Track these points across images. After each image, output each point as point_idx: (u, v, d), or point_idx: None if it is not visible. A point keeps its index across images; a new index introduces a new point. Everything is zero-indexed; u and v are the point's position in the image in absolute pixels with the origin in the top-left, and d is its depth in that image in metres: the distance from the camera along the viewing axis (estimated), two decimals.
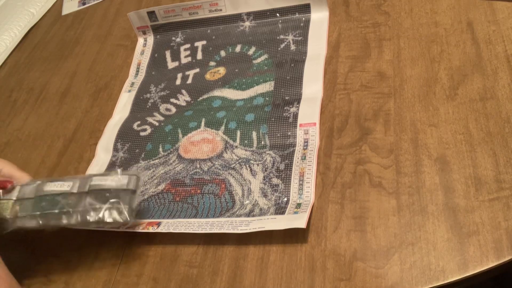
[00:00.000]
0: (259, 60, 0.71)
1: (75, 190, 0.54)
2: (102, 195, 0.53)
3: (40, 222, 0.54)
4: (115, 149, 0.68)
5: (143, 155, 0.66)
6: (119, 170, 0.56)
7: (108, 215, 0.53)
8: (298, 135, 0.60)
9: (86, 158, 0.69)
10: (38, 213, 0.54)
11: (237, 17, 0.76)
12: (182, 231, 0.54)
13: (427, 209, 0.50)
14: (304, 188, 0.55)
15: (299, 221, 0.50)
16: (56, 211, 0.53)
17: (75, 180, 0.55)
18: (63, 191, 0.54)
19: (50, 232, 0.57)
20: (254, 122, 0.63)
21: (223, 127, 0.64)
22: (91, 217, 0.53)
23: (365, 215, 0.52)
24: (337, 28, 0.70)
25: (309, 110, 0.62)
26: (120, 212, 0.53)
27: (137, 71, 0.78)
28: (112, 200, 0.53)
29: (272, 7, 0.73)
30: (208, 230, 0.53)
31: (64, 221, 0.54)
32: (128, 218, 0.53)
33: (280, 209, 0.54)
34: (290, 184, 0.56)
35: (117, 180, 0.54)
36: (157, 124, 0.69)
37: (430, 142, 0.54)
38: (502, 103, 0.55)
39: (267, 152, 0.60)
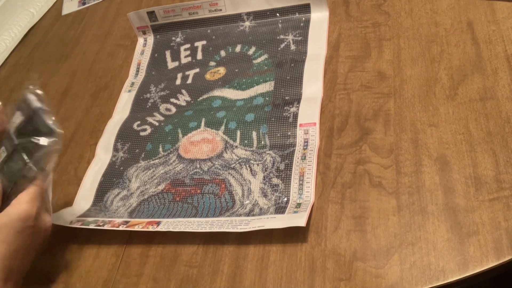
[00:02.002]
0: (259, 60, 0.71)
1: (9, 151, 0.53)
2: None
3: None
4: (115, 149, 0.68)
5: (143, 155, 0.66)
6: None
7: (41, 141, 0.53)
8: (298, 135, 0.60)
9: (86, 158, 0.69)
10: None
11: (237, 17, 0.76)
12: (182, 230, 0.54)
13: (427, 209, 0.50)
14: (304, 188, 0.55)
15: (299, 220, 0.50)
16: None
17: None
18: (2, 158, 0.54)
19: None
20: (254, 122, 0.63)
21: (223, 127, 0.64)
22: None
23: (365, 215, 0.52)
24: (337, 28, 0.70)
25: (309, 110, 0.62)
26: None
27: (137, 71, 0.78)
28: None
29: (272, 7, 0.73)
30: (207, 229, 0.53)
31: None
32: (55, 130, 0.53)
33: (280, 209, 0.54)
34: (290, 184, 0.56)
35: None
36: (157, 124, 0.69)
37: (430, 142, 0.54)
38: (502, 103, 0.55)
39: (267, 152, 0.60)
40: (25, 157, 0.52)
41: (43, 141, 0.52)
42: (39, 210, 0.52)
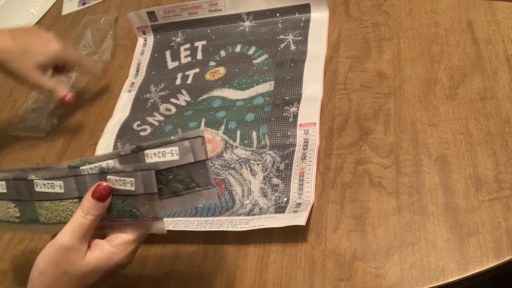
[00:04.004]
0: (259, 60, 0.71)
1: (139, 190, 0.42)
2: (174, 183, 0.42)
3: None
4: (115, 149, 0.68)
5: None
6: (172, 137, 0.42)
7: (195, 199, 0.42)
8: (298, 135, 0.60)
9: None
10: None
11: (237, 17, 0.76)
12: (182, 228, 0.54)
13: (427, 209, 0.50)
14: (304, 188, 0.55)
15: (299, 219, 0.50)
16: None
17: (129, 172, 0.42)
18: (127, 190, 0.43)
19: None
20: (254, 122, 0.63)
21: (223, 127, 0.64)
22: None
23: (365, 215, 0.52)
24: (337, 28, 0.70)
25: (309, 110, 0.62)
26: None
27: (137, 71, 0.78)
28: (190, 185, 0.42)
29: (272, 7, 0.73)
30: (207, 228, 0.53)
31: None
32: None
33: (280, 209, 0.54)
34: (290, 184, 0.56)
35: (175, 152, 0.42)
36: (157, 124, 0.69)
37: (430, 142, 0.54)
38: (502, 103, 0.55)
39: (267, 152, 0.60)
40: (156, 202, 0.42)
41: (198, 201, 0.42)
42: (133, 258, 0.46)
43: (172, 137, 0.42)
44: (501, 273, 0.46)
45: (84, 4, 0.96)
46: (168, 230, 0.55)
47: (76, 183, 0.44)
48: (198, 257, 0.54)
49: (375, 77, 0.62)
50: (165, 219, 0.57)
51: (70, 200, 0.45)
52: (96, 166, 0.44)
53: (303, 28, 0.71)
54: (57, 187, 0.45)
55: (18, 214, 0.49)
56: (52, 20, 0.97)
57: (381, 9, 0.69)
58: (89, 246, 0.43)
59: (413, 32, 0.65)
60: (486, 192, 0.49)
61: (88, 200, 0.42)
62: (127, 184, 0.42)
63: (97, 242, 0.43)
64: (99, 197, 0.42)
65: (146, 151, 0.42)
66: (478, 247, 0.46)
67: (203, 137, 0.41)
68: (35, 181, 0.46)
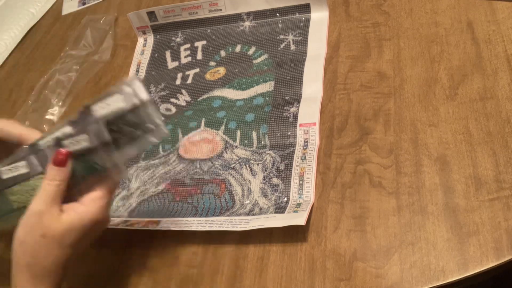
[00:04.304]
0: (259, 60, 0.71)
1: (93, 143, 0.45)
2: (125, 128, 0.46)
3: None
4: None
5: (143, 155, 0.66)
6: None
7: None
8: (298, 135, 0.60)
9: None
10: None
11: (237, 17, 0.76)
12: (182, 228, 0.54)
13: (427, 209, 0.50)
14: (304, 188, 0.55)
15: (299, 219, 0.50)
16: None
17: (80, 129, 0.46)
18: (83, 147, 0.46)
19: None
20: (254, 122, 0.63)
21: (223, 127, 0.64)
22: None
23: (365, 215, 0.52)
24: (337, 28, 0.70)
25: (309, 110, 0.62)
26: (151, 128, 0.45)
27: (137, 71, 0.78)
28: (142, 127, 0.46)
29: (272, 7, 0.73)
30: (207, 228, 0.53)
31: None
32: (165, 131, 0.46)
33: (280, 209, 0.54)
34: (290, 184, 0.56)
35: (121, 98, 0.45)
36: None
37: (430, 142, 0.54)
38: (502, 103, 0.55)
39: (267, 152, 0.60)
40: (113, 151, 0.45)
41: (151, 139, 0.46)
42: (108, 214, 0.48)
43: (111, 86, 0.46)
44: (501, 273, 0.46)
45: (84, 4, 0.96)
46: (168, 230, 0.55)
47: (37, 159, 0.47)
48: (198, 257, 0.54)
49: (375, 77, 0.62)
50: (165, 219, 0.57)
51: (36, 177, 0.47)
52: (52, 139, 0.46)
53: (303, 28, 0.71)
54: (22, 168, 0.48)
55: None
56: (52, 20, 0.97)
57: (381, 9, 0.69)
58: (63, 211, 0.46)
59: (413, 32, 0.65)
60: (486, 192, 0.49)
61: (50, 168, 0.45)
62: (82, 142, 0.46)
63: (71, 204, 0.46)
64: (59, 162, 0.45)
65: (92, 107, 0.46)
66: (478, 247, 0.46)
67: (139, 78, 0.46)
68: (0, 170, 0.48)
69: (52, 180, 0.45)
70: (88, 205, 0.46)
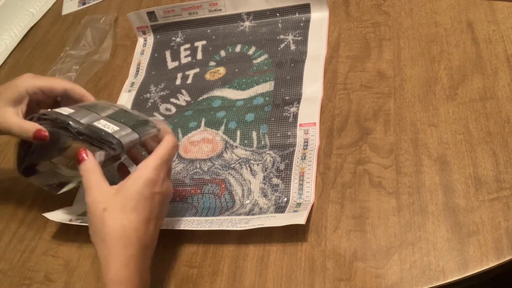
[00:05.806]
0: (259, 60, 0.71)
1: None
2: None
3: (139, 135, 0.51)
4: None
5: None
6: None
7: None
8: (298, 135, 0.60)
9: None
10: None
11: (237, 17, 0.76)
12: (182, 228, 0.54)
13: (427, 209, 0.50)
14: (304, 188, 0.55)
15: (299, 218, 0.50)
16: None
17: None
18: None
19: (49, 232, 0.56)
20: (254, 122, 0.63)
21: (223, 127, 0.64)
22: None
23: (365, 215, 0.52)
24: (337, 28, 0.70)
25: (309, 110, 0.62)
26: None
27: (137, 71, 0.78)
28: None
29: (272, 7, 0.73)
30: (207, 228, 0.53)
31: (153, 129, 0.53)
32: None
33: (280, 209, 0.54)
34: (290, 184, 0.56)
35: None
36: None
37: (430, 142, 0.54)
38: (502, 103, 0.55)
39: (267, 152, 0.60)
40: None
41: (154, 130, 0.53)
42: (165, 176, 0.49)
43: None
44: (501, 273, 0.46)
45: (84, 4, 0.96)
46: (168, 230, 0.55)
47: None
48: (198, 257, 0.54)
49: (375, 77, 0.62)
50: (165, 219, 0.57)
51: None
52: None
53: (303, 28, 0.71)
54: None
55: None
56: (52, 20, 0.97)
57: (381, 9, 0.69)
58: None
59: (413, 32, 0.65)
60: (486, 192, 0.49)
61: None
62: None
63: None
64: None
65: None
66: (478, 247, 0.46)
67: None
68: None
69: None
70: (141, 169, 0.48)
